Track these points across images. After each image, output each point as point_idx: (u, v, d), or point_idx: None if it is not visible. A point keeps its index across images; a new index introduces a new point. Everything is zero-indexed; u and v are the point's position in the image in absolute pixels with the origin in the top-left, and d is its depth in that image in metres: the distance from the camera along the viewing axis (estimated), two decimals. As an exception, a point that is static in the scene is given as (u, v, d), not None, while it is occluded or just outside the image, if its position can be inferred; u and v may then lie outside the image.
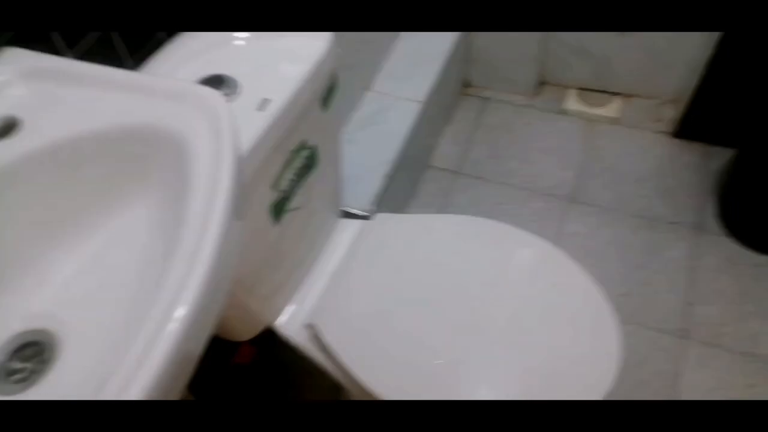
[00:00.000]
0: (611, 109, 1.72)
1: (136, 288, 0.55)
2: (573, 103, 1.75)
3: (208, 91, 0.57)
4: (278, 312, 0.94)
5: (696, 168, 1.58)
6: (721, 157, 1.57)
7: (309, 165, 0.85)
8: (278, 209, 0.81)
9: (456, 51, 1.61)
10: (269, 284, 0.89)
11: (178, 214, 0.51)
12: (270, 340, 1.11)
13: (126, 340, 0.46)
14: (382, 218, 1.01)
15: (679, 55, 1.58)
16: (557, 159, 1.64)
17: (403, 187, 1.51)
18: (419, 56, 1.56)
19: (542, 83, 1.80)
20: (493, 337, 0.87)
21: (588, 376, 0.83)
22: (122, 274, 0.56)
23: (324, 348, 0.90)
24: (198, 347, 0.49)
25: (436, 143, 1.70)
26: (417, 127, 1.44)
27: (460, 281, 0.93)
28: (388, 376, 0.85)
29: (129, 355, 0.43)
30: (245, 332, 0.90)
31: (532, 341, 0.87)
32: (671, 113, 1.68)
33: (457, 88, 1.77)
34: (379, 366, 0.86)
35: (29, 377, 0.54)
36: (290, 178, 0.82)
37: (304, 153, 0.83)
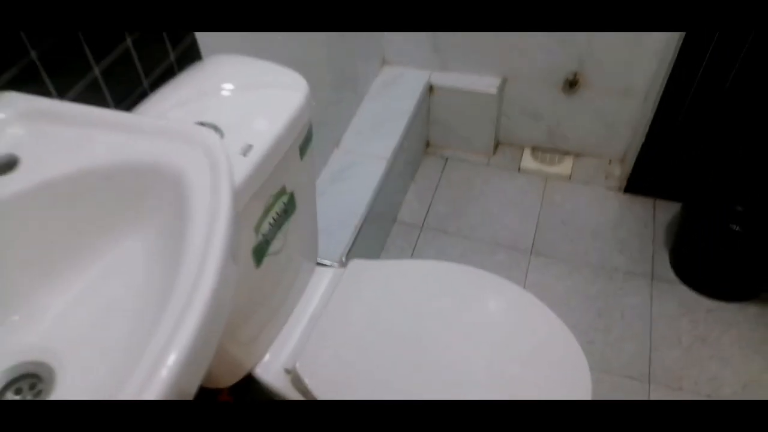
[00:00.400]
0: (564, 167, 1.83)
1: (132, 322, 0.55)
2: (528, 161, 1.85)
3: (201, 129, 0.59)
4: (258, 358, 0.93)
5: (646, 221, 1.67)
6: (668, 209, 1.68)
7: (287, 210, 0.88)
8: (259, 253, 0.83)
9: (418, 111, 1.69)
10: (250, 330, 0.89)
11: (177, 246, 0.53)
12: (245, 389, 1.09)
13: (121, 377, 0.46)
14: (356, 264, 1.03)
15: (624, 118, 1.70)
16: (517, 213, 1.71)
17: (373, 240, 1.54)
18: (384, 116, 1.63)
19: (498, 143, 1.90)
20: (473, 381, 0.89)
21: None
22: (118, 308, 0.56)
23: (304, 392, 0.89)
24: (192, 388, 0.50)
25: (402, 199, 1.75)
26: (384, 183, 1.49)
27: (437, 324, 0.95)
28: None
29: (122, 394, 0.43)
30: (226, 379, 0.89)
31: (510, 383, 0.89)
32: (619, 170, 1.79)
33: (420, 147, 1.85)
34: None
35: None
36: (270, 222, 0.84)
37: (284, 198, 0.85)
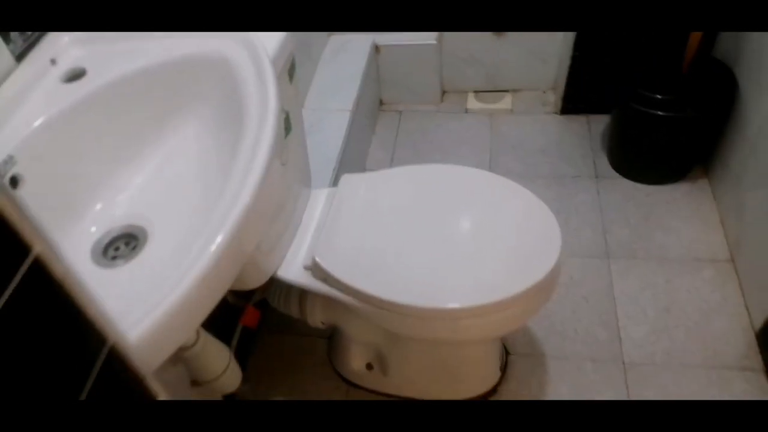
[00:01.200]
0: (505, 102, 2.04)
1: (201, 188, 0.70)
2: (473, 103, 2.05)
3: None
4: (278, 263, 1.08)
5: (583, 134, 1.89)
6: (600, 121, 1.90)
7: (287, 127, 1.03)
8: (271, 159, 0.98)
9: (368, 69, 1.86)
10: (269, 239, 1.04)
11: (234, 120, 0.68)
12: (264, 301, 1.24)
13: (198, 230, 0.60)
14: (348, 177, 1.19)
15: (551, 51, 1.92)
16: (471, 147, 1.90)
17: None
18: (340, 77, 1.80)
19: (444, 92, 2.10)
20: (465, 243, 1.06)
21: (541, 252, 1.03)
22: (188, 178, 0.71)
23: (325, 279, 1.04)
24: (249, 245, 0.62)
25: (368, 150, 1.92)
26: (350, 132, 1.66)
27: (431, 209, 1.12)
28: (383, 284, 1.01)
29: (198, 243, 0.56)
30: (253, 281, 1.03)
31: (492, 241, 1.06)
32: (553, 97, 2.01)
33: (374, 105, 2.02)
34: (375, 278, 1.02)
35: (127, 255, 0.67)
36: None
37: (282, 115, 1.01)
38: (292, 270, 1.09)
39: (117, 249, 0.68)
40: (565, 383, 1.33)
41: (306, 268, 1.08)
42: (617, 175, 1.76)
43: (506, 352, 1.39)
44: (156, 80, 0.70)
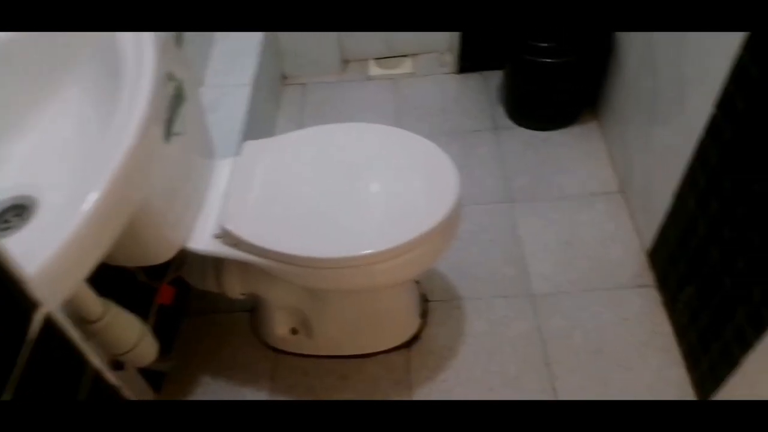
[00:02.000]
0: (406, 66, 2.08)
1: (84, 150, 0.70)
2: (375, 70, 2.08)
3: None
4: (187, 235, 1.08)
5: (480, 89, 1.98)
6: (495, 77, 1.99)
7: (179, 96, 1.02)
8: (166, 129, 0.97)
9: (266, 45, 1.86)
10: (175, 212, 1.03)
11: (113, 84, 0.68)
12: (182, 281, 1.23)
13: (85, 189, 0.61)
14: (251, 144, 1.20)
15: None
16: (376, 112, 1.95)
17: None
18: (237, 52, 1.78)
19: (346, 61, 2.12)
20: (371, 193, 1.10)
21: (442, 194, 1.09)
22: (72, 142, 0.70)
23: (236, 244, 1.06)
24: (133, 196, 0.64)
25: (274, 126, 1.92)
26: (253, 106, 1.65)
27: (335, 165, 1.15)
28: (296, 241, 1.04)
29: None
30: (162, 254, 1.03)
31: (397, 189, 1.11)
32: (450, 58, 2.08)
33: (276, 79, 2.02)
34: (287, 237, 1.04)
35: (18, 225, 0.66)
36: (166, 103, 0.98)
37: (173, 83, 1.00)
38: (203, 240, 1.09)
39: (7, 221, 0.67)
40: (481, 321, 1.41)
41: (216, 236, 1.09)
42: (514, 125, 1.85)
43: (425, 300, 1.46)
44: (30, 44, 0.68)
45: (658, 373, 1.30)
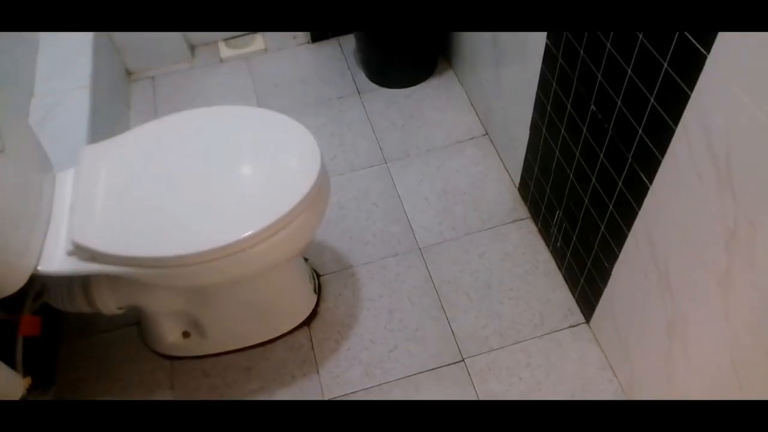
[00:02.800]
0: (257, 44, 2.01)
1: None
2: (226, 51, 2.00)
3: None
4: (35, 259, 0.99)
5: (338, 56, 1.95)
6: (350, 41, 1.97)
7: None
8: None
9: (99, 42, 1.71)
10: (19, 238, 0.94)
11: None
12: (48, 307, 1.14)
13: None
14: (90, 149, 1.11)
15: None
16: (236, 96, 1.87)
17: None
18: (67, 55, 1.63)
19: (193, 47, 2.01)
20: (230, 177, 1.06)
21: (305, 167, 1.06)
22: None
23: (95, 258, 0.98)
24: None
25: (127, 125, 1.79)
26: (96, 109, 1.53)
27: (187, 154, 1.09)
28: (158, 242, 0.97)
29: None
30: (10, 284, 0.94)
31: (256, 169, 1.07)
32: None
33: (121, 76, 1.88)
34: (147, 239, 0.98)
35: None
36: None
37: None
38: (56, 261, 1.00)
39: None
40: (375, 283, 1.42)
41: (70, 253, 1.00)
42: (376, 86, 1.85)
43: (317, 275, 1.44)
44: None
45: (545, 297, 1.38)
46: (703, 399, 0.95)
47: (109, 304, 1.15)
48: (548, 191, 1.36)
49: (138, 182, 1.06)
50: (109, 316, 1.19)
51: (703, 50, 0.75)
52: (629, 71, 0.92)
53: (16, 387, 0.84)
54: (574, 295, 1.36)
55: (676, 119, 0.84)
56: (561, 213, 1.32)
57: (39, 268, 0.99)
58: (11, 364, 0.99)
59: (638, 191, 0.99)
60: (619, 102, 0.97)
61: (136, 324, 1.38)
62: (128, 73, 1.94)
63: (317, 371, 1.30)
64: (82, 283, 1.13)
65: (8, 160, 0.93)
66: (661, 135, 0.88)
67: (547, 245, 1.45)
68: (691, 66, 0.79)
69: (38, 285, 1.13)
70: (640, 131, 0.94)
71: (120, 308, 1.18)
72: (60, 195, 1.08)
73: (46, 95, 1.54)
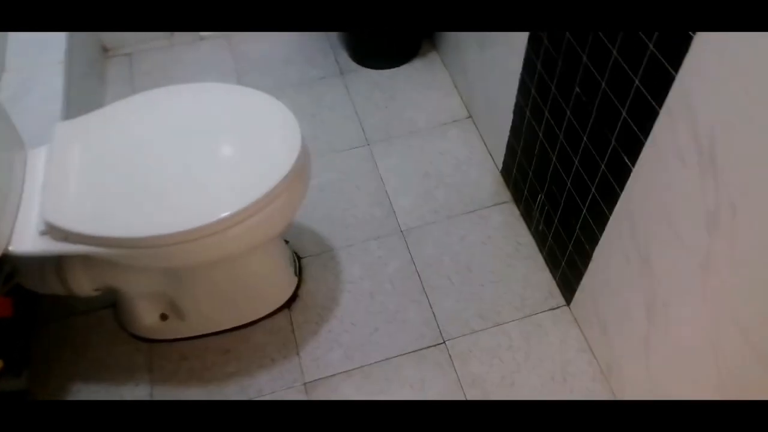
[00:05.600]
0: (239, 21, 1.97)
1: None
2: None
3: None
4: (8, 235, 0.96)
5: (322, 36, 1.92)
6: (332, 20, 1.94)
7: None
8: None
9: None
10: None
11: None
12: (21, 289, 1.11)
13: None
14: (65, 126, 1.08)
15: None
16: (216, 74, 1.83)
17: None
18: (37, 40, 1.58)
19: (172, 24, 1.96)
20: (210, 156, 1.03)
21: (284, 147, 1.04)
22: None
23: (67, 238, 0.95)
24: None
25: (102, 103, 1.75)
26: (71, 84, 1.48)
27: (166, 132, 1.06)
28: (135, 222, 0.95)
29: None
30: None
31: (237, 148, 1.05)
32: (284, 6, 1.99)
33: (96, 52, 1.83)
34: (123, 219, 0.95)
35: None
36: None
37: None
38: (28, 241, 0.97)
39: None
40: (357, 266, 1.41)
41: (42, 233, 0.97)
42: (359, 66, 1.83)
43: (297, 258, 1.43)
44: None
45: (526, 280, 1.38)
46: (681, 382, 0.96)
47: (83, 285, 1.12)
48: (531, 174, 1.36)
49: (112, 160, 1.03)
50: (84, 298, 1.17)
51: (690, 32, 0.75)
52: (614, 52, 0.91)
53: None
54: (555, 278, 1.37)
55: (661, 101, 0.84)
56: (543, 196, 1.32)
57: (10, 248, 0.96)
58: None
59: (621, 174, 0.98)
60: (603, 84, 0.96)
61: (112, 306, 1.35)
62: (105, 49, 1.89)
63: (297, 354, 1.29)
64: (56, 263, 1.10)
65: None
66: (645, 117, 0.88)
67: (529, 228, 1.45)
68: (676, 47, 0.78)
69: (9, 266, 1.10)
70: (623, 113, 0.93)
71: (96, 290, 1.16)
72: (32, 173, 1.05)
73: (20, 69, 1.49)
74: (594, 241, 1.14)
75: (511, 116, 1.39)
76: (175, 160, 1.03)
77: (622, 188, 0.99)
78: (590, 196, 1.10)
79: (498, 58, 1.40)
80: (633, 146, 0.93)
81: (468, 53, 1.60)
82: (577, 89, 1.05)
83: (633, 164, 0.94)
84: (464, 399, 1.22)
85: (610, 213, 1.05)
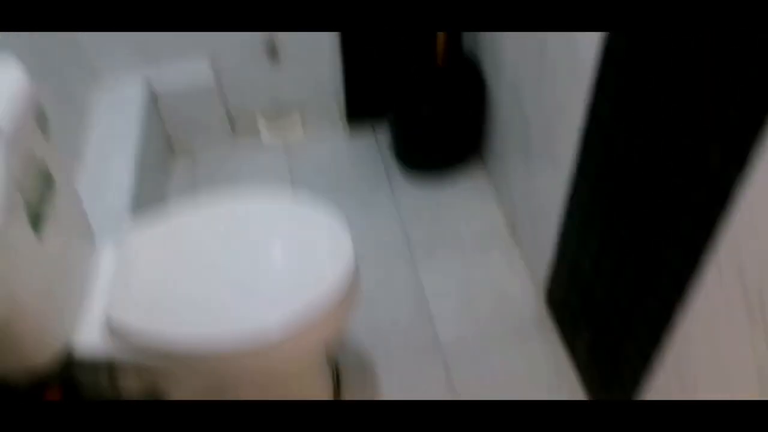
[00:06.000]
0: (296, 127, 2.08)
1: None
2: (266, 137, 2.07)
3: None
4: (69, 329, 1.00)
5: (372, 144, 2.03)
6: (384, 133, 2.05)
7: (47, 179, 0.96)
8: (34, 217, 0.90)
9: (149, 120, 1.79)
10: (55, 305, 0.96)
11: None
12: (70, 380, 1.13)
13: None
14: (137, 228, 1.14)
15: (323, 71, 2.00)
16: (272, 181, 1.94)
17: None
18: (116, 131, 1.70)
19: (235, 130, 2.07)
20: (266, 270, 1.07)
21: (333, 261, 1.08)
22: None
23: (127, 338, 0.99)
24: None
25: (165, 198, 1.85)
26: (140, 184, 1.58)
27: (225, 243, 1.11)
28: (190, 330, 0.98)
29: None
30: (39, 353, 0.94)
31: (286, 262, 1.09)
32: (338, 113, 2.10)
33: (164, 154, 1.96)
34: (180, 326, 0.99)
35: None
36: (32, 185, 0.91)
37: (36, 164, 0.93)
38: (89, 338, 1.01)
39: None
40: (393, 381, 1.40)
41: (104, 327, 1.01)
42: (407, 181, 1.90)
43: (338, 370, 1.43)
44: None
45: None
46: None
47: (132, 388, 1.14)
48: (575, 303, 1.36)
49: (178, 269, 1.07)
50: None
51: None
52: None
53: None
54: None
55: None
56: (588, 329, 1.31)
57: (72, 343, 0.99)
58: None
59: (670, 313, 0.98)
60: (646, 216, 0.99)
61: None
62: (172, 150, 2.02)
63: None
64: (109, 367, 1.13)
65: (57, 229, 0.96)
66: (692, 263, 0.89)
67: (572, 359, 1.42)
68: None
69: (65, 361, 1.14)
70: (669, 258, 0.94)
71: (143, 394, 1.17)
72: (99, 270, 1.10)
73: (94, 168, 1.60)
74: (636, 383, 1.11)
75: (555, 236, 1.40)
76: (234, 274, 1.06)
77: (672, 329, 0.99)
78: (639, 339, 1.09)
79: (542, 177, 1.43)
80: (684, 281, 0.93)
81: (512, 168, 1.64)
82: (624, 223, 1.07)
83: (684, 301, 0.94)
84: None
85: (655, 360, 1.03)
